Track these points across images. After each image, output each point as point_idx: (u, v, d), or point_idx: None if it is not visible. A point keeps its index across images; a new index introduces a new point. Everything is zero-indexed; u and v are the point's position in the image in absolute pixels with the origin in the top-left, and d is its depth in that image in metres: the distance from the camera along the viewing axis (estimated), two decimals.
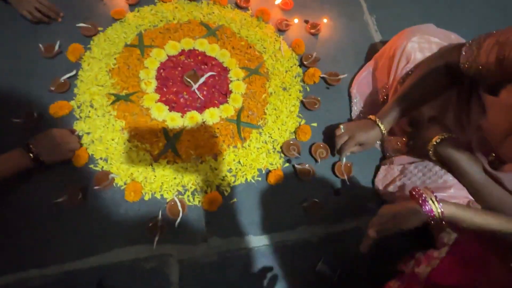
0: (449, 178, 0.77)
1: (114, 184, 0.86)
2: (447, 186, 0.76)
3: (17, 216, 0.81)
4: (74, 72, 0.97)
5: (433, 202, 0.64)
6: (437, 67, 0.78)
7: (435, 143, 0.77)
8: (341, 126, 0.87)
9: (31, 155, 0.78)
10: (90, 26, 1.03)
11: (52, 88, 0.93)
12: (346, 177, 0.92)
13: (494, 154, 0.69)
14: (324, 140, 0.98)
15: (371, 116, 0.84)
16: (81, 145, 0.89)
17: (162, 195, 0.87)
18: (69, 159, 0.86)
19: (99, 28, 1.05)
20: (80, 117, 0.92)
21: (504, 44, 0.61)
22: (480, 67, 0.68)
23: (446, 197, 0.75)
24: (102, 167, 0.88)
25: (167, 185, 0.88)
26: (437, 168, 0.80)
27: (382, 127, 0.81)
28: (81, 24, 1.03)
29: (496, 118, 0.67)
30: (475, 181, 0.71)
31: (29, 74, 0.96)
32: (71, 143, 0.86)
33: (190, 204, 0.87)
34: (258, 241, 0.86)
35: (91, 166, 0.87)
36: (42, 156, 0.79)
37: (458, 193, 0.74)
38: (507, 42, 0.61)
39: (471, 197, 0.74)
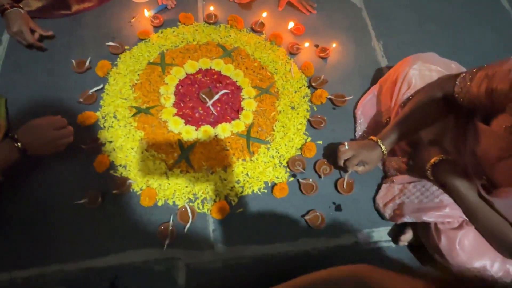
0: (445, 197, 0.80)
1: (131, 189, 0.94)
2: (442, 205, 0.79)
3: (41, 215, 0.89)
4: (101, 86, 1.06)
5: None
6: (435, 95, 0.83)
7: (433, 163, 0.82)
8: (346, 143, 0.90)
9: (18, 145, 0.79)
10: (117, 45, 1.14)
11: (81, 100, 1.03)
12: (348, 194, 0.97)
13: (485, 178, 0.73)
14: (327, 158, 1.03)
15: (372, 137, 0.89)
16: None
17: (174, 202, 0.93)
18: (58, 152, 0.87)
19: (126, 47, 1.15)
20: (104, 127, 1.01)
21: (493, 77, 0.67)
22: (473, 98, 0.73)
23: (441, 216, 0.79)
24: (121, 173, 0.95)
25: (179, 193, 0.94)
26: (434, 188, 0.84)
27: (383, 147, 0.86)
28: (110, 43, 1.13)
29: (488, 145, 0.72)
30: (469, 203, 0.76)
31: (61, 87, 1.06)
32: (63, 136, 0.86)
33: (200, 211, 0.93)
34: (261, 250, 0.90)
35: (111, 171, 0.95)
36: (29, 149, 0.80)
37: (453, 212, 0.78)
38: (495, 76, 0.66)
39: (465, 217, 0.78)
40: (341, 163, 0.90)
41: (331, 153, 1.02)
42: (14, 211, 0.88)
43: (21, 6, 1.07)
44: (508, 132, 0.65)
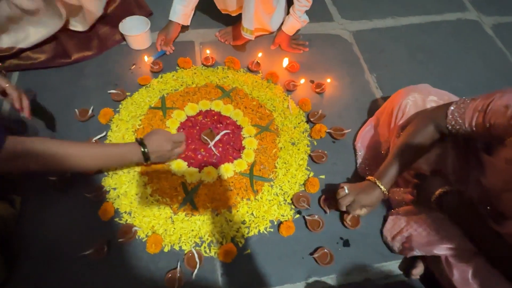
0: (453, 229, 0.80)
1: (136, 236, 0.93)
2: (451, 237, 0.79)
3: (46, 266, 0.87)
4: (104, 133, 1.08)
5: None
6: (427, 126, 0.84)
7: (438, 195, 0.83)
8: (345, 187, 0.88)
9: (142, 151, 0.89)
10: (119, 92, 1.17)
11: None
12: (355, 228, 0.96)
13: (489, 208, 0.74)
14: (330, 194, 1.02)
15: (370, 178, 0.87)
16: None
17: (180, 247, 0.92)
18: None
19: (127, 93, 1.19)
20: (108, 174, 1.02)
21: (488, 112, 0.69)
22: (468, 130, 0.75)
23: (451, 248, 0.78)
24: (126, 220, 0.95)
25: (185, 237, 0.93)
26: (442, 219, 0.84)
27: (382, 187, 0.84)
28: (112, 91, 1.17)
29: (492, 176, 0.73)
30: (478, 234, 0.75)
31: (65, 136, 1.08)
32: (178, 149, 0.98)
33: (207, 255, 0.92)
34: None
35: (116, 219, 0.95)
36: (151, 158, 0.92)
37: (462, 244, 0.77)
38: (491, 111, 0.68)
39: (475, 248, 0.77)
40: (343, 208, 0.88)
41: (333, 191, 0.99)
42: (19, 264, 0.86)
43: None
44: (510, 164, 0.66)
